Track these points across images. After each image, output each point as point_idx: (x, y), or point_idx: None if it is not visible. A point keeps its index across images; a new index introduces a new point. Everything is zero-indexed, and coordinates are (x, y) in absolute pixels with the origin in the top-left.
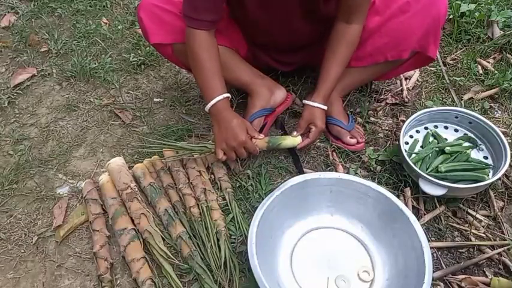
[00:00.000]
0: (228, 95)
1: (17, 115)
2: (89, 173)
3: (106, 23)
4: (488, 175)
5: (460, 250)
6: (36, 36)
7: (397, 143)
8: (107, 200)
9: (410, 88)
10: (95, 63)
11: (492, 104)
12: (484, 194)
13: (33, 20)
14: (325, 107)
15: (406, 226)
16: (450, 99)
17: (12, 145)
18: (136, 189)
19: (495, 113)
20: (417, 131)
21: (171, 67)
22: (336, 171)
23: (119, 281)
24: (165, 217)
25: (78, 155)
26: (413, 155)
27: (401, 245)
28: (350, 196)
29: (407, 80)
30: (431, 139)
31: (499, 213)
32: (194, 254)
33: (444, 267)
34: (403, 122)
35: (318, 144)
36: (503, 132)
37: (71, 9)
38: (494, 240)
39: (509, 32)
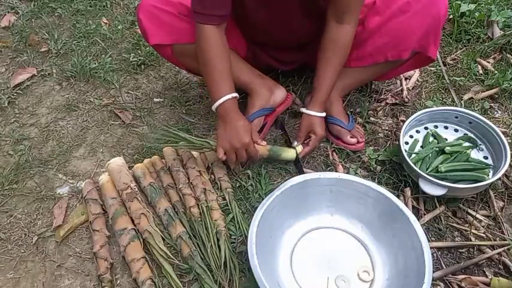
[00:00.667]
0: (236, 94)
1: (17, 115)
2: (89, 173)
3: (106, 23)
4: (488, 175)
5: (460, 250)
6: (36, 36)
7: (397, 143)
8: (107, 200)
9: (410, 88)
10: (95, 63)
11: (492, 104)
12: (484, 194)
13: (33, 20)
14: (324, 114)
15: (406, 226)
16: (450, 99)
17: (12, 145)
18: (136, 189)
19: (495, 113)
20: (417, 131)
21: (171, 67)
22: (336, 171)
23: (119, 281)
24: (165, 217)
25: (78, 155)
26: (413, 155)
27: (401, 245)
28: (350, 196)
29: (407, 80)
30: (431, 139)
31: (499, 213)
32: (194, 254)
33: (444, 267)
34: (403, 122)
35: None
36: (503, 132)
37: (71, 9)
38: (494, 240)
39: (509, 32)
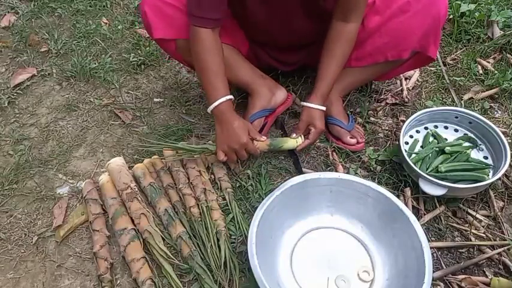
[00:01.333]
0: (231, 96)
1: (17, 115)
2: (89, 173)
3: (106, 23)
4: (488, 175)
5: (460, 250)
6: (36, 36)
7: (397, 143)
8: (107, 200)
9: (410, 88)
10: (95, 63)
11: (492, 104)
12: (484, 194)
13: (33, 20)
14: (324, 108)
15: (406, 226)
16: (450, 99)
17: (12, 145)
18: (136, 189)
19: (495, 113)
20: (417, 131)
21: (171, 67)
22: (336, 171)
23: (119, 281)
24: (165, 217)
25: (78, 155)
26: (413, 155)
27: (401, 245)
28: (350, 196)
29: (407, 80)
30: (431, 139)
31: (499, 213)
32: (194, 254)
33: (444, 267)
34: (403, 122)
35: (318, 144)
36: (503, 132)
37: (71, 9)
38: (494, 240)
39: (509, 32)
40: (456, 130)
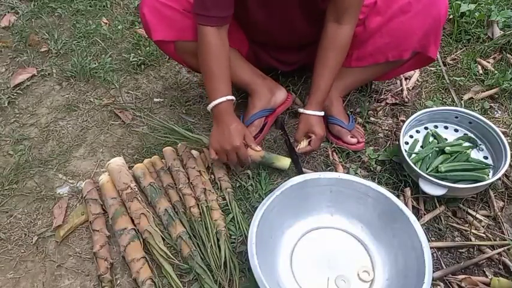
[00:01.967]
0: (233, 97)
1: (17, 115)
2: (89, 173)
3: (106, 23)
4: (488, 175)
5: (460, 250)
6: (36, 36)
7: (397, 143)
8: (107, 200)
9: (410, 88)
10: (95, 63)
11: (492, 104)
12: (484, 194)
13: (33, 20)
14: (322, 113)
15: (406, 226)
16: (450, 99)
17: (12, 145)
18: (136, 189)
19: (495, 113)
20: (417, 131)
21: (171, 67)
22: (336, 171)
23: (119, 281)
24: (165, 217)
25: (78, 155)
26: (413, 155)
27: (401, 245)
28: (350, 196)
29: (407, 80)
30: (431, 139)
31: (499, 213)
32: (194, 254)
33: (444, 267)
34: (403, 122)
35: None
36: (503, 132)
37: (71, 9)
38: (494, 240)
39: (509, 32)
40: (456, 130)
